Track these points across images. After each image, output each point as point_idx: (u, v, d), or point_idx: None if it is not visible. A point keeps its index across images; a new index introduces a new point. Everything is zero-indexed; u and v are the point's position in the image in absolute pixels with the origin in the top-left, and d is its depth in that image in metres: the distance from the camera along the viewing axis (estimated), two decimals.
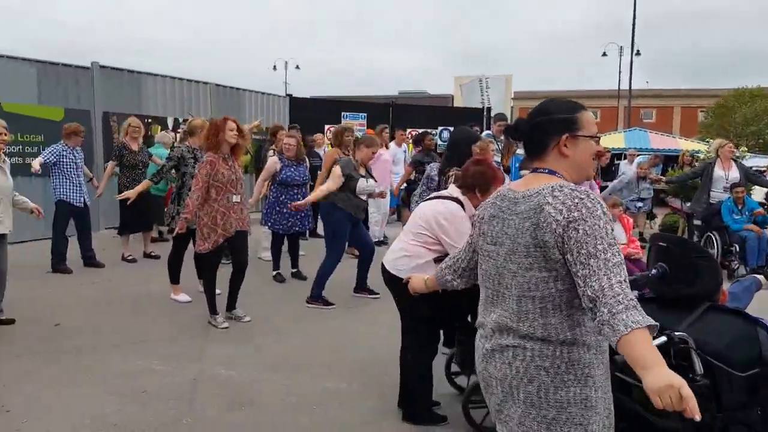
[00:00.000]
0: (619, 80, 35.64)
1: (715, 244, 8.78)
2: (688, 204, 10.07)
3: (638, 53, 31.45)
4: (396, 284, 3.88)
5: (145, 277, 7.38)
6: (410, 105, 19.49)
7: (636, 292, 2.70)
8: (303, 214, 7.48)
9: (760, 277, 3.29)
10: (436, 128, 14.82)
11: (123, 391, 4.35)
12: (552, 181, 1.95)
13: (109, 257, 8.35)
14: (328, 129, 14.17)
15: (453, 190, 3.92)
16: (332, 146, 7.94)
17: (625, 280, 1.73)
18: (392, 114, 15.62)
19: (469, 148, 5.67)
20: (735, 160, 9.17)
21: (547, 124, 2.01)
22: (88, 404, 4.11)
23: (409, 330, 4.00)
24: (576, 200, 1.83)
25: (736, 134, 38.56)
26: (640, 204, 11.40)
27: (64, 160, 7.65)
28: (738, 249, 8.53)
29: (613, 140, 19.48)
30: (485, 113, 16.87)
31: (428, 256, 3.80)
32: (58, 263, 7.76)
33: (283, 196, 7.42)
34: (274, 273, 7.72)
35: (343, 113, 15.16)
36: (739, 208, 8.74)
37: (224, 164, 5.61)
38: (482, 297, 2.13)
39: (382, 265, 4.02)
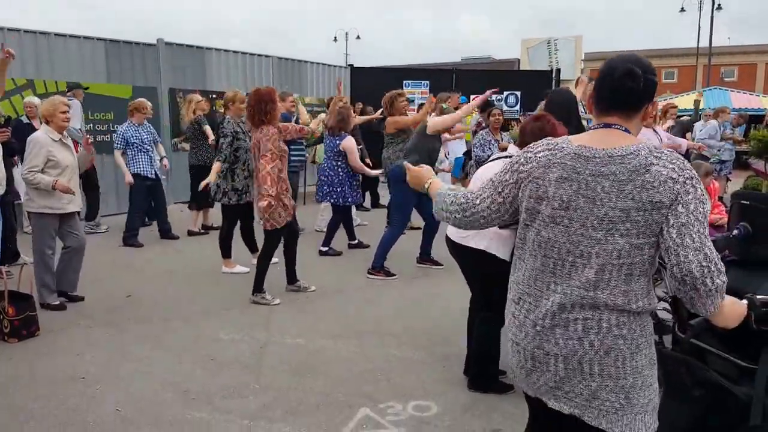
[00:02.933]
0: (699, 37, 33.50)
1: None
2: None
3: (719, 8, 29.70)
4: (463, 254, 3.88)
5: (213, 249, 7.50)
6: (474, 70, 19.05)
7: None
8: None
9: None
10: (502, 93, 14.44)
11: (192, 359, 4.44)
12: (635, 142, 1.83)
13: (176, 231, 8.53)
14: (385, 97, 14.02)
15: (512, 149, 3.86)
16: (388, 114, 7.76)
17: None
18: (456, 80, 15.32)
19: (576, 109, 4.98)
20: None
21: (653, 85, 1.88)
22: (159, 371, 4.22)
23: (477, 298, 3.97)
24: (681, 162, 1.76)
25: None
26: (719, 167, 10.84)
27: (132, 140, 7.85)
28: None
29: (690, 101, 18.54)
30: (554, 75, 16.24)
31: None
32: (130, 237, 7.97)
33: (349, 169, 7.44)
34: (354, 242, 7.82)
35: (404, 81, 14.97)
36: None
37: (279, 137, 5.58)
38: (536, 267, 1.94)
39: (447, 236, 3.97)
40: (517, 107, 14.81)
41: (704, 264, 1.67)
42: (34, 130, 6.31)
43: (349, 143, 7.26)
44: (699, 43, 33.13)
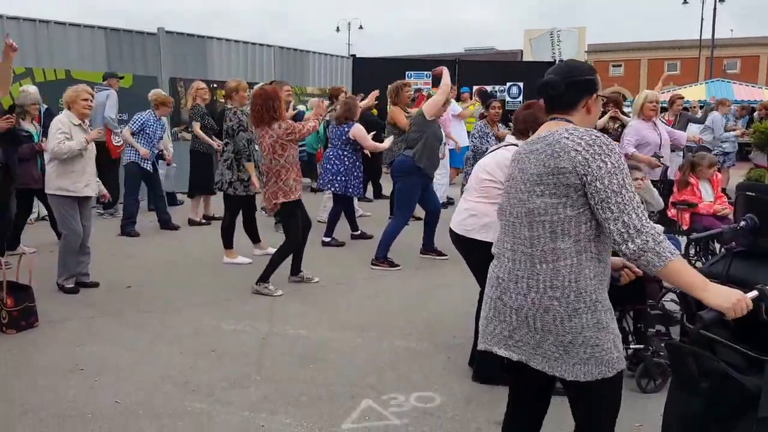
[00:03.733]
0: (701, 29, 33.47)
1: None
2: None
3: (722, 0, 29.55)
4: (466, 245, 3.88)
5: (214, 240, 7.44)
6: (477, 61, 18.94)
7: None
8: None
9: None
10: (504, 84, 14.37)
11: (193, 350, 4.39)
12: (566, 126, 2.16)
13: (176, 221, 8.46)
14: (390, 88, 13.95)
15: (510, 138, 3.92)
16: (392, 104, 7.76)
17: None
18: (458, 71, 15.21)
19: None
20: None
21: (583, 84, 2.22)
22: (159, 362, 4.17)
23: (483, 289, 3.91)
24: (594, 137, 2.05)
25: None
26: (723, 159, 10.75)
27: (148, 129, 7.92)
28: None
29: (693, 92, 18.51)
30: None
31: (491, 217, 3.67)
32: (127, 225, 7.91)
33: (358, 160, 7.45)
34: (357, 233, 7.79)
35: (407, 72, 14.88)
36: None
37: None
38: (499, 231, 2.33)
39: (450, 228, 3.96)
40: (520, 98, 14.71)
41: (622, 230, 1.96)
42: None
43: (359, 130, 7.26)
44: (702, 35, 33.03)
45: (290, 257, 5.89)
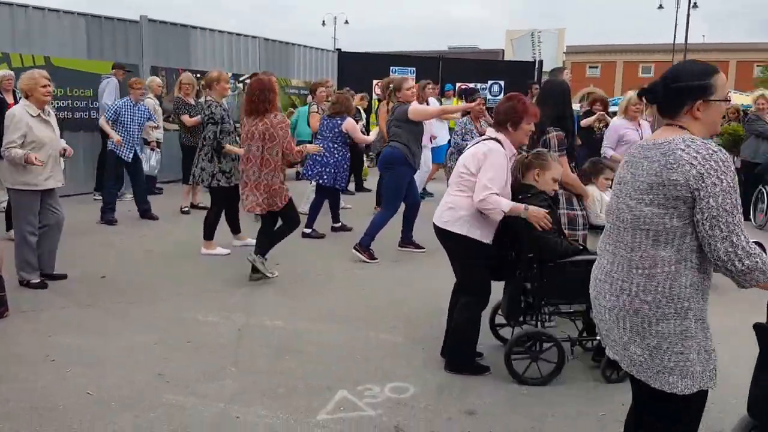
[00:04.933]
0: (675, 34, 34.12)
1: (766, 199, 8.56)
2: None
3: (695, 6, 30.32)
4: (444, 236, 3.91)
5: (192, 230, 7.40)
6: (460, 59, 19.00)
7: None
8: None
9: None
10: (486, 82, 14.43)
11: (168, 341, 4.36)
12: (682, 134, 2.11)
13: (162, 210, 8.40)
14: (377, 84, 13.95)
15: (490, 131, 3.95)
16: (380, 100, 7.81)
17: None
18: (441, 68, 15.23)
19: (566, 99, 4.81)
20: None
21: (683, 91, 2.15)
22: (133, 354, 4.13)
23: (461, 282, 3.98)
24: (710, 151, 2.00)
25: None
26: None
27: (123, 117, 7.81)
28: None
29: None
30: (537, 66, 16.37)
31: (471, 209, 3.77)
32: (106, 213, 7.88)
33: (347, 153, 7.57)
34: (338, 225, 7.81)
35: (391, 68, 14.85)
36: None
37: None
38: (604, 230, 2.37)
39: (434, 222, 4.00)
40: (501, 96, 14.78)
41: (730, 250, 1.97)
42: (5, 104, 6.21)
43: (351, 124, 7.43)
44: (675, 39, 33.61)
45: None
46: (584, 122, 8.18)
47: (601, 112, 8.21)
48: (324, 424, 3.31)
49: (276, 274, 5.70)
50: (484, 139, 3.90)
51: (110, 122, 7.81)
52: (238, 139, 6.46)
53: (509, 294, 4.03)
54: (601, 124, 8.08)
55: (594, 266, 2.38)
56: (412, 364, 4.05)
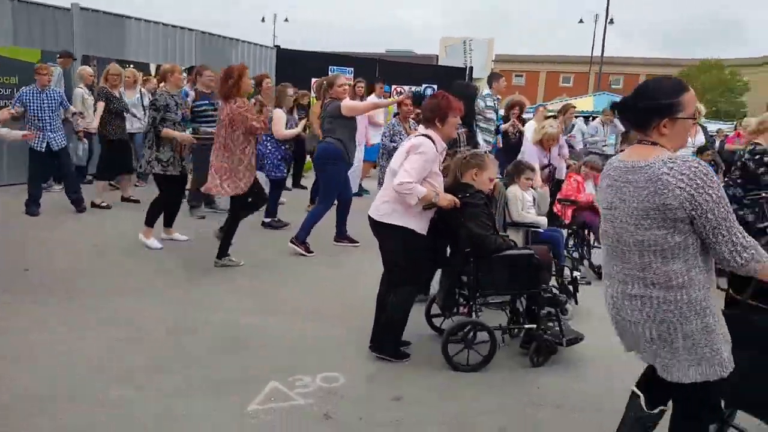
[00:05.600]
0: (593, 46, 36.29)
1: None
2: None
3: (611, 21, 32.06)
4: (382, 230, 4.02)
5: (125, 223, 7.26)
6: (396, 62, 19.20)
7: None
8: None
9: None
10: (420, 85, 14.67)
11: (110, 335, 4.28)
12: (659, 153, 2.23)
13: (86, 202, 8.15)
14: (315, 82, 13.93)
15: (421, 128, 4.11)
16: (316, 99, 7.86)
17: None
18: (379, 70, 15.37)
19: (472, 103, 5.37)
20: (700, 125, 9.37)
21: (652, 109, 2.27)
22: (75, 348, 4.04)
23: (396, 273, 4.07)
24: (692, 169, 2.13)
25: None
26: (604, 161, 11.49)
27: (30, 105, 7.49)
28: None
29: (582, 104, 20.58)
30: (468, 72, 16.93)
31: (402, 202, 3.88)
32: (30, 205, 7.65)
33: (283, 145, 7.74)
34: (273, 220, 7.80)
35: (330, 67, 14.88)
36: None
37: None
38: (604, 252, 2.51)
39: (369, 215, 4.10)
40: None
41: (732, 249, 2.16)
42: None
43: (277, 116, 7.49)
44: (593, 52, 35.51)
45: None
46: (502, 127, 8.66)
47: (515, 120, 8.75)
48: (254, 414, 3.36)
49: (243, 263, 5.98)
50: (416, 136, 4.05)
51: (17, 111, 7.27)
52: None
53: (446, 286, 4.21)
54: (515, 130, 8.63)
55: (606, 286, 2.50)
56: (345, 355, 4.14)
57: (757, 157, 5.44)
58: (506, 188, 5.21)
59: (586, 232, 6.59)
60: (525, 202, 5.18)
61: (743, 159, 5.60)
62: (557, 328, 4.21)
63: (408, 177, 3.79)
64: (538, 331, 4.14)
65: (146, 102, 8.77)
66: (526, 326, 4.27)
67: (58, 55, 9.27)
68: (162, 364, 3.91)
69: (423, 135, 4.00)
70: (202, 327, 4.53)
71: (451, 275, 4.20)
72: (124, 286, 5.31)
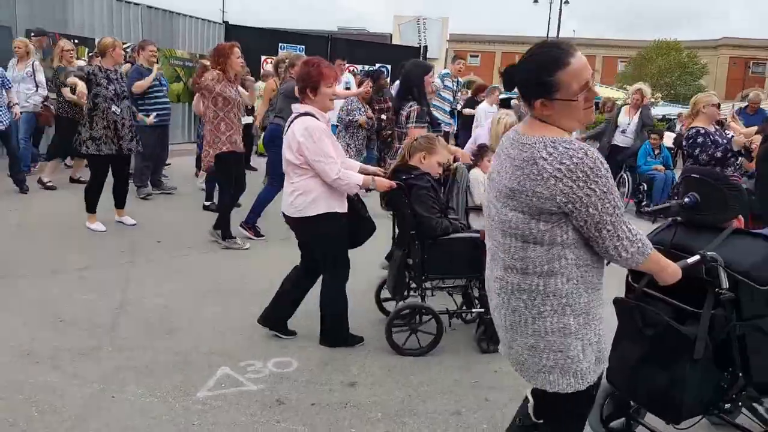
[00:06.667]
0: (548, 28, 36.65)
1: (627, 183, 9.59)
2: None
3: (567, 2, 32.33)
4: (302, 224, 3.91)
5: (68, 203, 7.04)
6: (349, 40, 19.02)
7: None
8: None
9: None
10: (374, 65, 14.55)
11: (38, 319, 4.16)
12: (545, 133, 1.95)
13: (31, 184, 7.88)
14: (265, 60, 13.71)
15: (296, 107, 3.89)
16: (268, 76, 7.74)
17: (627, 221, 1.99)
18: (331, 48, 15.19)
19: (422, 79, 5.26)
20: (642, 108, 9.55)
21: (526, 85, 2.00)
22: None
23: (323, 260, 4.00)
24: (575, 160, 1.86)
25: (651, 85, 40.85)
26: None
27: None
28: (646, 188, 9.41)
29: None
30: (422, 52, 16.84)
31: (320, 186, 3.77)
32: None
33: None
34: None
35: (280, 44, 14.65)
36: (655, 153, 9.56)
37: (230, 85, 5.81)
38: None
39: (283, 213, 3.98)
40: (388, 79, 15.02)
41: (617, 243, 1.95)
42: None
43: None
44: (549, 33, 35.76)
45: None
46: (467, 111, 8.58)
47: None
48: (204, 401, 3.31)
49: (248, 246, 6.07)
50: (294, 118, 3.85)
51: None
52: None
53: (394, 270, 4.18)
54: None
55: (487, 264, 2.28)
56: (296, 340, 4.11)
57: (690, 140, 5.52)
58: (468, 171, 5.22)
59: None
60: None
61: (684, 146, 5.70)
62: None
63: (332, 168, 3.67)
64: (487, 315, 4.07)
65: (40, 78, 8.31)
66: (474, 310, 4.29)
67: (32, 34, 8.86)
68: (92, 349, 3.81)
69: (302, 114, 3.80)
70: (137, 311, 4.43)
71: (398, 258, 4.14)
72: (58, 268, 5.16)
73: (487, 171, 5.15)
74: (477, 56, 56.91)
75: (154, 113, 7.54)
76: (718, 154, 5.25)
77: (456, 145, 6.08)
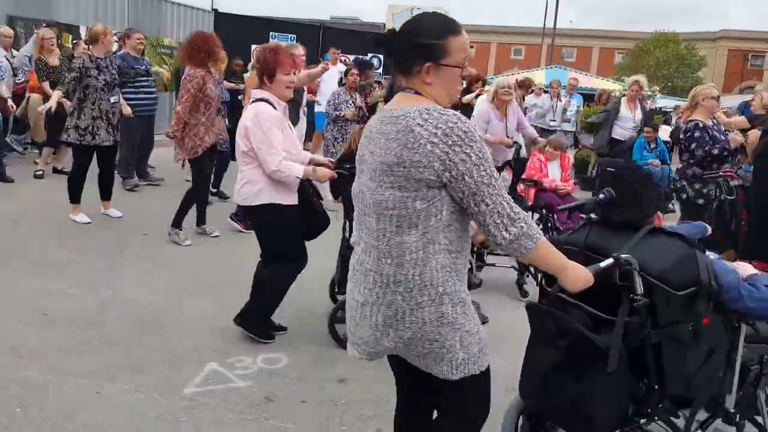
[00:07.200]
0: (545, 17, 36.42)
1: None
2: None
3: None
4: (251, 213, 3.90)
5: (54, 194, 6.94)
6: (341, 29, 18.89)
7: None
8: None
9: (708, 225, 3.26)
10: (366, 55, 14.45)
11: (23, 313, 4.09)
12: (419, 103, 1.92)
13: (16, 174, 7.75)
14: (255, 49, 13.56)
15: (255, 92, 3.87)
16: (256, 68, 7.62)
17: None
18: (322, 37, 15.07)
19: None
20: (640, 101, 9.48)
21: (413, 48, 1.95)
22: None
23: (275, 251, 3.95)
24: (449, 125, 1.83)
25: (648, 77, 40.64)
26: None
27: None
28: None
29: (534, 77, 20.13)
30: None
31: (265, 177, 3.72)
32: None
33: None
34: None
35: (271, 33, 14.51)
36: (651, 147, 9.44)
37: (212, 80, 5.65)
38: (355, 215, 2.15)
39: (236, 202, 3.96)
40: (380, 69, 14.92)
41: (498, 221, 1.87)
42: None
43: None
44: (545, 23, 35.70)
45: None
46: (465, 99, 8.48)
47: (481, 88, 8.53)
48: (192, 397, 3.26)
49: (189, 242, 5.85)
50: (252, 102, 3.83)
51: None
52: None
53: (339, 262, 4.13)
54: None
55: (351, 256, 2.16)
56: (286, 336, 4.07)
57: (688, 134, 5.48)
58: None
59: (545, 212, 6.34)
60: None
61: (681, 140, 5.66)
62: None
63: (273, 159, 3.63)
64: None
65: (16, 63, 8.20)
66: None
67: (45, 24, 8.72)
68: (79, 344, 3.74)
69: (257, 100, 3.77)
70: (124, 306, 4.37)
71: (342, 249, 4.05)
72: (41, 262, 5.07)
73: None
74: (472, 47, 56.58)
75: (134, 109, 7.40)
76: (715, 151, 5.22)
77: None
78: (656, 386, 2.39)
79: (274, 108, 3.73)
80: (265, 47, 3.87)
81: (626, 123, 9.31)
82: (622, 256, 2.23)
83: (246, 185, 3.79)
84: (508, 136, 6.45)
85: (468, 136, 1.83)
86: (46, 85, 7.73)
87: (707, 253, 2.52)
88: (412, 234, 1.91)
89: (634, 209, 2.51)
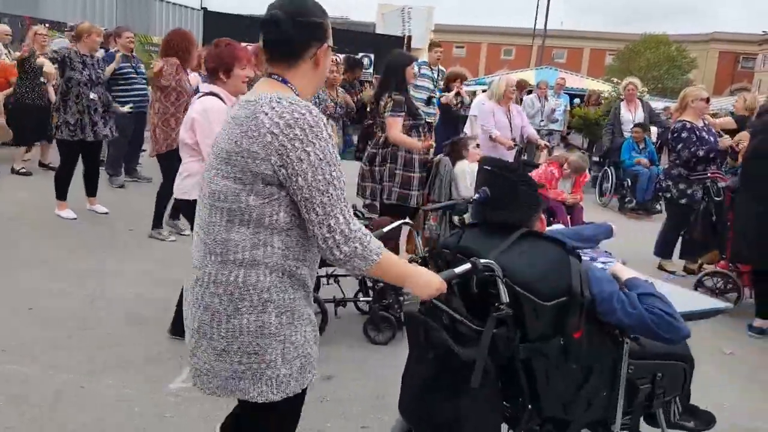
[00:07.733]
0: (536, 18, 36.52)
1: (610, 179, 9.52)
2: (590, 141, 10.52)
3: None
4: (190, 208, 3.72)
5: (40, 190, 6.90)
6: (333, 28, 18.85)
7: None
8: None
9: (614, 226, 2.98)
10: (357, 54, 14.46)
11: (8, 308, 4.07)
12: (276, 90, 1.75)
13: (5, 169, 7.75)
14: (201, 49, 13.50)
15: (204, 86, 3.79)
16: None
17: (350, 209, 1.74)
18: None
19: (402, 70, 5.14)
20: (640, 100, 9.54)
21: (314, 28, 1.79)
22: None
23: None
24: (296, 115, 1.66)
25: (638, 78, 40.85)
26: (549, 138, 11.59)
27: None
28: (630, 183, 9.21)
29: (524, 77, 20.07)
30: (406, 42, 16.71)
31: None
32: None
33: None
34: None
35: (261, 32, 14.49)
36: (640, 147, 9.36)
37: (186, 76, 5.67)
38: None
39: (174, 197, 3.90)
40: (371, 69, 14.92)
41: (327, 236, 1.68)
42: None
43: None
44: (536, 24, 35.82)
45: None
46: (443, 99, 8.46)
47: (459, 87, 8.51)
48: (177, 392, 3.26)
49: (173, 238, 5.81)
50: (199, 97, 3.71)
51: None
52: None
53: None
54: (458, 99, 8.38)
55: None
56: None
57: (675, 134, 5.51)
58: (453, 165, 5.16)
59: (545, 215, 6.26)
60: (473, 176, 4.98)
61: (668, 140, 5.67)
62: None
63: None
64: (375, 304, 4.00)
65: None
66: (362, 299, 4.25)
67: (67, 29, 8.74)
68: (63, 339, 3.73)
69: (206, 94, 3.65)
70: (110, 302, 4.34)
71: None
72: (28, 258, 5.05)
73: (474, 159, 5.12)
74: (463, 47, 56.61)
75: (130, 104, 7.38)
76: (701, 153, 5.24)
77: (435, 140, 5.98)
78: (529, 406, 2.15)
79: (224, 103, 3.62)
80: (218, 42, 3.74)
81: (627, 125, 9.42)
82: (481, 261, 2.00)
83: (186, 178, 3.69)
84: (512, 137, 6.48)
85: (313, 132, 1.65)
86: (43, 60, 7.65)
87: (604, 258, 2.37)
88: (242, 232, 1.73)
89: (512, 211, 2.28)
